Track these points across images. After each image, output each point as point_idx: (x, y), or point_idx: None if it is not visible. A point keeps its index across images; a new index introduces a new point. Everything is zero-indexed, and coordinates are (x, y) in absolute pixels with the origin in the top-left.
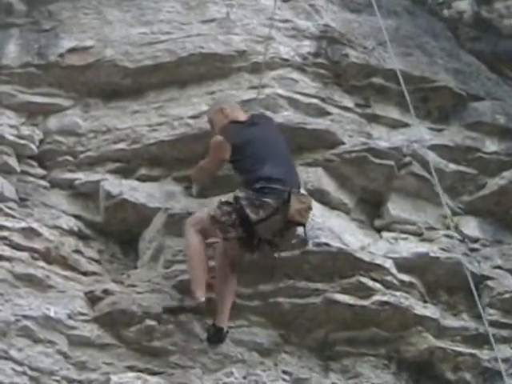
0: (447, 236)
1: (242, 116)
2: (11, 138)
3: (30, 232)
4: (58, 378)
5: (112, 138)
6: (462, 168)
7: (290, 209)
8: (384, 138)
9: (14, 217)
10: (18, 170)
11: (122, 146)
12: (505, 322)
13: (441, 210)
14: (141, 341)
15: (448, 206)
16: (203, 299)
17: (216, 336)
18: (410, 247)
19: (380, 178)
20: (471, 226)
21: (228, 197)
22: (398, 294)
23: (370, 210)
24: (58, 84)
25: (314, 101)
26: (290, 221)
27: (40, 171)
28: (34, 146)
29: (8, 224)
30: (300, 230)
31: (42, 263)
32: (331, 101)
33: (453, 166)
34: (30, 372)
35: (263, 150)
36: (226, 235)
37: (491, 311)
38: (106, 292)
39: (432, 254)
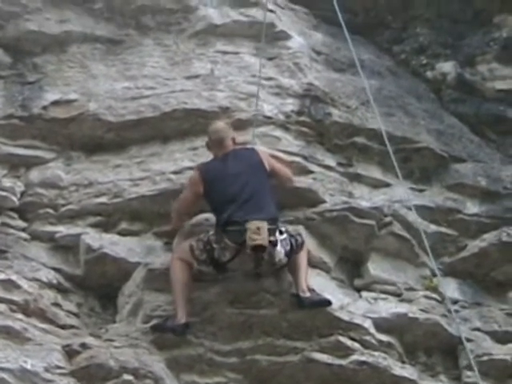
0: (426, 297)
1: (225, 149)
2: None
3: (8, 284)
4: None
5: (93, 191)
6: (442, 229)
7: (246, 240)
8: (365, 198)
9: None
10: None
11: (103, 199)
12: None
13: (420, 271)
14: None
15: (428, 267)
16: (183, 321)
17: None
18: (389, 307)
19: (361, 238)
20: (451, 288)
21: (204, 234)
22: (376, 353)
23: (350, 270)
24: (40, 136)
25: (297, 159)
26: (252, 248)
27: (21, 223)
28: (15, 198)
29: None
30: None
31: (20, 315)
32: (313, 159)
33: (433, 227)
34: None
35: (228, 189)
36: (201, 268)
37: (469, 373)
38: (83, 346)
39: (411, 315)
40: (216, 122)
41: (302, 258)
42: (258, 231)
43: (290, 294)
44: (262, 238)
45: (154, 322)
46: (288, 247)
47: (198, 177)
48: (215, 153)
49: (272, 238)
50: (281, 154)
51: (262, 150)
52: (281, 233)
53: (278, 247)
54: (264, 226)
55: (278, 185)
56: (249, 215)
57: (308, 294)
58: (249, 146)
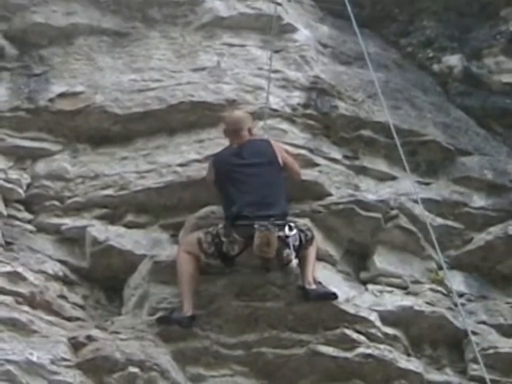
0: (432, 290)
1: (240, 139)
2: None
3: (14, 276)
4: None
5: (100, 183)
6: (448, 222)
7: (254, 245)
8: (371, 191)
9: None
10: (5, 213)
11: (109, 192)
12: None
13: (426, 264)
14: None
15: (434, 260)
16: (189, 314)
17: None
18: (395, 300)
19: (367, 231)
20: (457, 281)
21: (213, 227)
22: (381, 346)
23: (356, 262)
24: (47, 129)
25: (303, 152)
26: (259, 257)
27: (27, 215)
28: (21, 190)
29: None
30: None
31: (26, 308)
32: (319, 152)
33: (440, 220)
34: None
35: (239, 181)
36: (208, 261)
37: (474, 366)
38: (89, 338)
39: (417, 308)
40: (235, 110)
41: (311, 251)
42: (267, 244)
43: (296, 287)
44: (271, 252)
45: (159, 314)
46: (297, 242)
47: (212, 164)
48: (230, 141)
49: (281, 234)
50: (287, 147)
51: (275, 142)
52: (290, 228)
53: (287, 243)
54: (274, 236)
55: (286, 178)
56: (259, 211)
57: (314, 287)
58: (264, 137)
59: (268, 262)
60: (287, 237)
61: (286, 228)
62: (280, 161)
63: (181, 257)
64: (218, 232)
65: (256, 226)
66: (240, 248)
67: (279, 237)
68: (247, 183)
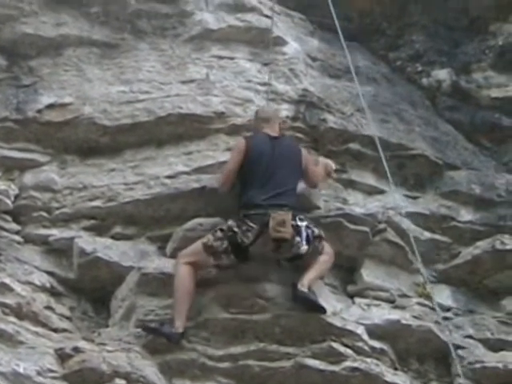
0: (420, 304)
1: (272, 129)
2: None
3: (2, 287)
4: None
5: (88, 195)
6: (436, 236)
7: (269, 229)
8: (359, 204)
9: None
10: None
11: (97, 203)
12: None
13: (414, 278)
14: None
15: (422, 273)
16: (180, 330)
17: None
18: (382, 314)
19: (354, 244)
20: (444, 295)
21: (220, 225)
22: (368, 360)
23: (344, 276)
24: (35, 140)
25: None
26: (274, 240)
27: (14, 226)
28: (9, 201)
29: None
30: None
31: (12, 318)
32: None
33: (427, 234)
34: None
35: (264, 170)
36: (219, 262)
37: (461, 381)
38: (76, 350)
39: (404, 322)
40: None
41: (324, 261)
42: (283, 224)
43: (291, 284)
44: (286, 231)
45: (148, 323)
46: (305, 234)
47: (244, 146)
48: (262, 128)
49: (293, 223)
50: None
51: (305, 151)
52: (301, 220)
53: (298, 231)
54: (289, 218)
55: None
56: (272, 200)
57: (306, 290)
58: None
59: (281, 249)
60: (298, 226)
61: (297, 219)
62: (303, 165)
63: (180, 270)
64: (230, 225)
65: (273, 213)
66: (254, 235)
67: (292, 226)
68: (269, 175)
